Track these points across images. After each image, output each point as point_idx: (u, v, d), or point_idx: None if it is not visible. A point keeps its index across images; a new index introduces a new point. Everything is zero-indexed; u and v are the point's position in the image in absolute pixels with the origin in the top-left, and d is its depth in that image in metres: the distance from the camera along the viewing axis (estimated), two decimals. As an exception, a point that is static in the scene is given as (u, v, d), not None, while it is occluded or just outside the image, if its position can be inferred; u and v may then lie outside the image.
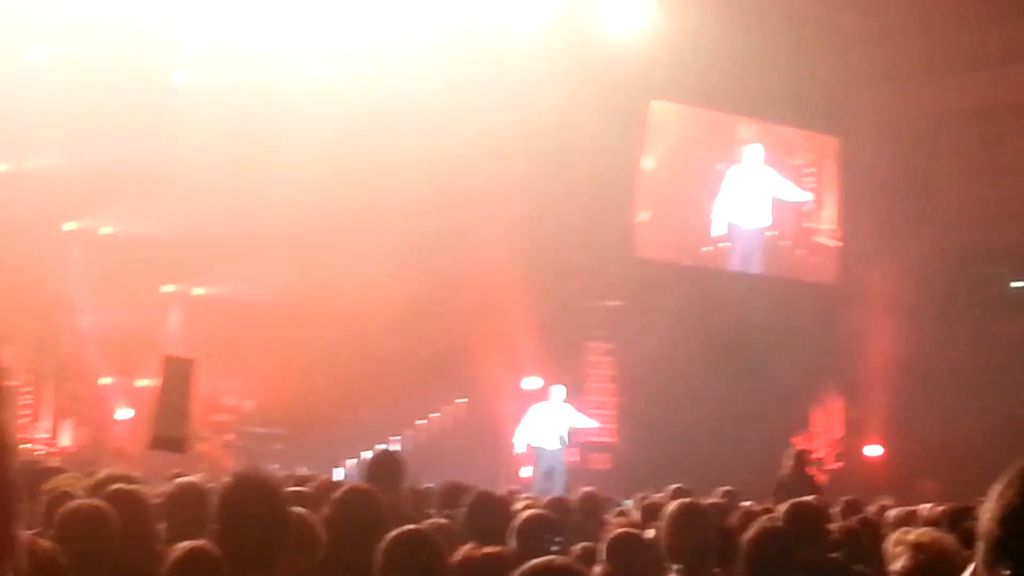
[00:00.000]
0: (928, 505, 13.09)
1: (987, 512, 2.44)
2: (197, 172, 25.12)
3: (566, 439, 25.01)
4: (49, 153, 24.62)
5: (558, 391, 25.61)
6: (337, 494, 7.79)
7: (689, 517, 7.88)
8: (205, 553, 5.78)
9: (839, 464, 28.50)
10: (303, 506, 7.41)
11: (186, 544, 5.96)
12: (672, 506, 8.04)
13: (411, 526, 6.84)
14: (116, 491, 8.07)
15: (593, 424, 26.15)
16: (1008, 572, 2.32)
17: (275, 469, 17.58)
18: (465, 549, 6.88)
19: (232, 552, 5.44)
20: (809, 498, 11.61)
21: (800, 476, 14.95)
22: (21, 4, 23.98)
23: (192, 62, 26.82)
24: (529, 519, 8.00)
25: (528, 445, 25.14)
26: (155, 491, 8.88)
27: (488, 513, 8.58)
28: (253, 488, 5.61)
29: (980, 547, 2.44)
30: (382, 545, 6.44)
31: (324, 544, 6.92)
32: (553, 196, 27.18)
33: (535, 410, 25.45)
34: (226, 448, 26.36)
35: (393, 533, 6.55)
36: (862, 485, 20.32)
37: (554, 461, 24.44)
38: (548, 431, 24.90)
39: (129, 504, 7.76)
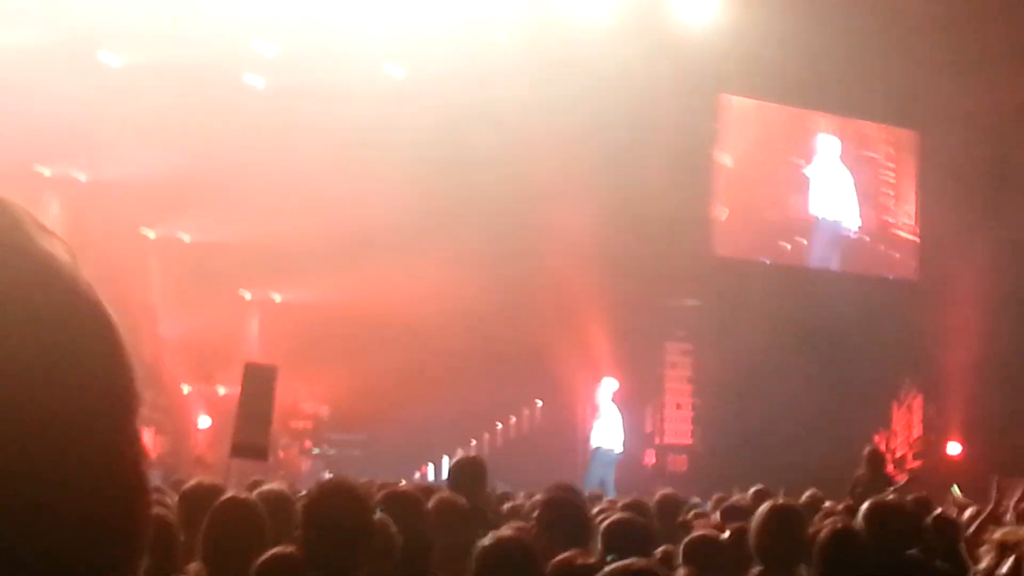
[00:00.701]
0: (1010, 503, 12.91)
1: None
2: (274, 177, 25.25)
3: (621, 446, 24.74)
4: (127, 161, 24.71)
5: (609, 384, 25.24)
6: (429, 503, 7.75)
7: (781, 520, 7.81)
8: (290, 559, 5.86)
9: (918, 463, 28.25)
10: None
11: (273, 550, 6.00)
12: (763, 508, 7.95)
13: (506, 532, 6.81)
14: (267, 492, 8.16)
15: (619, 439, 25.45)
16: None
17: (360, 478, 17.57)
18: (561, 556, 6.82)
19: (316, 559, 5.46)
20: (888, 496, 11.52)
21: (876, 475, 14.78)
22: (96, 9, 24.06)
23: (268, 66, 26.90)
24: (614, 524, 7.92)
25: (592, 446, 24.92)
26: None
27: (563, 517, 8.48)
28: (339, 496, 5.63)
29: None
30: (477, 551, 6.40)
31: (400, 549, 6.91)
32: (630, 194, 27.07)
33: (606, 408, 25.17)
34: (304, 455, 26.43)
35: (488, 540, 6.52)
36: (942, 483, 20.05)
37: (607, 467, 24.08)
38: (610, 432, 24.67)
39: (276, 504, 7.77)
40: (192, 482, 9.93)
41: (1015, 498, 13.18)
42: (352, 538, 5.49)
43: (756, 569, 7.49)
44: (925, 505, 12.18)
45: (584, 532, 8.06)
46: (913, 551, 8.16)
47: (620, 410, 25.79)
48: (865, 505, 8.97)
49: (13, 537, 1.16)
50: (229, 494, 7.82)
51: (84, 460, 1.21)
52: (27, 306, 1.19)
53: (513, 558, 6.31)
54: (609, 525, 7.91)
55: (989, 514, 11.29)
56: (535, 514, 8.66)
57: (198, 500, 8.07)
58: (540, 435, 26.55)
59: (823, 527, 7.88)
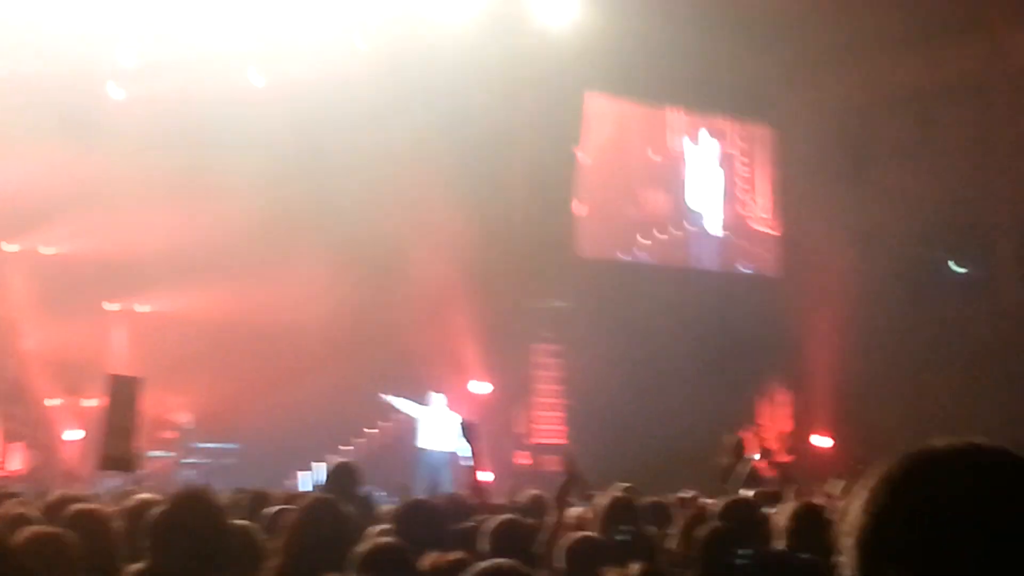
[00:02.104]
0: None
1: (857, 516, 2.37)
2: (136, 188, 24.98)
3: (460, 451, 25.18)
4: None
5: (439, 399, 25.85)
6: (303, 503, 7.70)
7: (620, 511, 8.01)
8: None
9: (789, 457, 28.54)
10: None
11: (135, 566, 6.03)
12: (605, 500, 8.18)
13: (386, 540, 6.80)
14: (78, 512, 8.05)
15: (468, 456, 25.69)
16: (890, 569, 2.27)
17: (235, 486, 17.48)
18: (432, 556, 6.80)
19: (171, 569, 5.42)
20: (747, 492, 11.69)
21: (738, 465, 14.96)
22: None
23: (128, 76, 26.61)
24: (502, 525, 7.92)
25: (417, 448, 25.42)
26: (109, 510, 8.85)
27: (420, 521, 8.47)
28: (190, 505, 5.60)
29: (851, 550, 2.36)
30: (356, 558, 6.37)
31: (271, 555, 6.90)
32: (492, 196, 27.17)
33: (427, 413, 25.71)
34: (176, 465, 26.16)
35: (366, 547, 6.50)
36: (812, 476, 20.28)
37: (440, 467, 24.42)
38: (437, 436, 25.05)
39: (90, 525, 7.71)
40: (56, 494, 9.92)
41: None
42: (205, 544, 5.43)
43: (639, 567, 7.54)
44: (775, 497, 12.36)
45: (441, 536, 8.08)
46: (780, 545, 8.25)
47: (487, 413, 25.96)
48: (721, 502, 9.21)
49: None
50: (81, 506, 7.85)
51: None
52: None
53: (388, 560, 6.29)
54: (496, 527, 7.90)
55: (848, 503, 11.45)
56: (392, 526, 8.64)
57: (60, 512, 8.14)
58: (411, 439, 26.41)
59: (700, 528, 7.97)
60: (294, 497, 10.68)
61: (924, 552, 2.22)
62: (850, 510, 2.35)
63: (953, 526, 2.22)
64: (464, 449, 24.73)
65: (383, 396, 25.65)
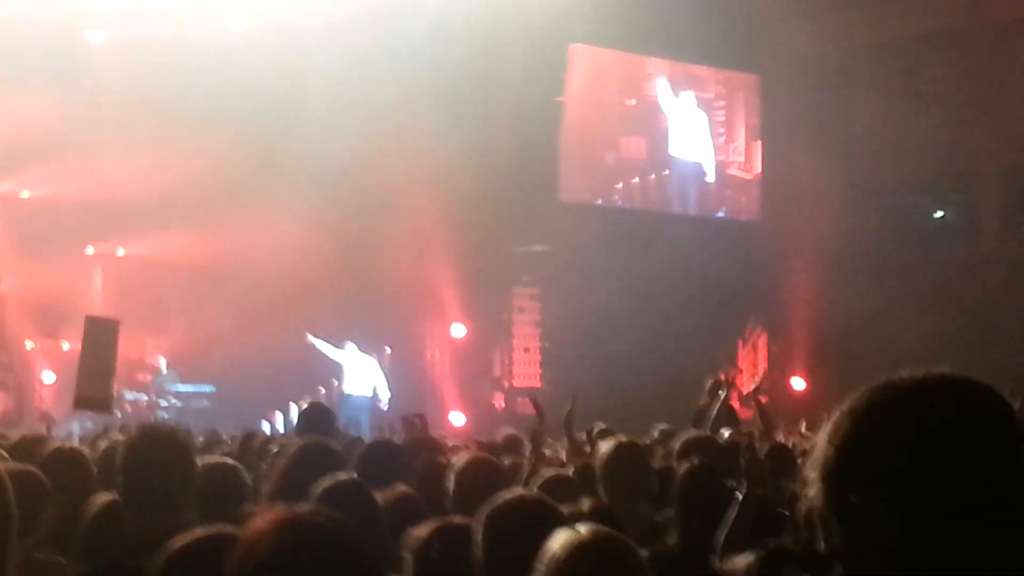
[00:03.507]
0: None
1: (822, 448, 2.36)
2: (115, 131, 24.92)
3: (380, 393, 25.48)
4: None
5: (351, 346, 26.21)
6: (286, 446, 7.69)
7: (624, 456, 7.94)
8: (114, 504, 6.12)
9: (764, 398, 28.61)
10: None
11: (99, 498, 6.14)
12: (609, 445, 8.08)
13: (341, 475, 6.81)
14: (52, 451, 8.13)
15: (385, 396, 26.42)
16: (855, 500, 2.26)
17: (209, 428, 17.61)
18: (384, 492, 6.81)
19: (136, 500, 5.45)
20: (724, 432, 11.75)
21: (717, 404, 14.98)
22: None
23: (107, 20, 26.48)
24: (469, 463, 7.89)
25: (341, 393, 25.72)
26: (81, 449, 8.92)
27: (382, 459, 8.46)
28: (155, 439, 5.64)
29: (816, 482, 2.35)
30: (316, 494, 6.38)
31: (257, 494, 6.90)
32: (476, 142, 27.12)
33: (348, 358, 26.03)
34: (152, 407, 26.22)
35: (326, 482, 6.51)
36: (787, 418, 20.36)
37: (360, 411, 24.70)
38: (358, 381, 25.54)
39: (61, 464, 7.76)
40: (17, 435, 10.01)
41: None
42: (170, 477, 5.47)
43: (591, 502, 7.55)
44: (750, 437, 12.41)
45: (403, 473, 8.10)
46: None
47: (465, 356, 26.14)
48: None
49: None
50: (56, 444, 7.95)
51: None
52: None
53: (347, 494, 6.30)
54: (462, 466, 7.85)
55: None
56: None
57: (26, 452, 8.18)
58: (388, 381, 26.47)
59: (680, 465, 7.96)
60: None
61: (888, 481, 2.22)
62: (816, 443, 2.36)
63: (917, 455, 2.22)
64: (383, 393, 25.41)
65: (309, 337, 25.73)
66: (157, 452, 5.55)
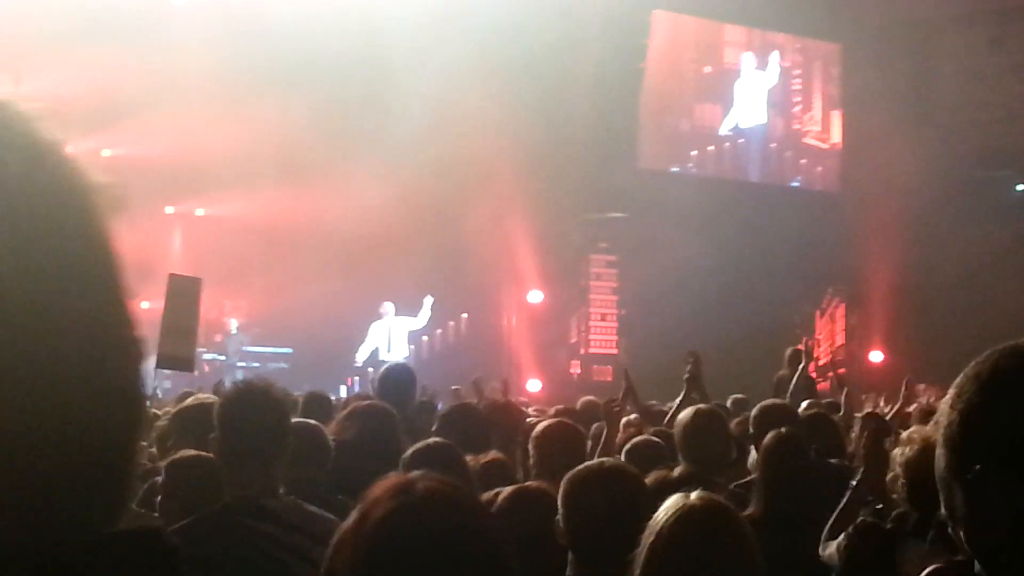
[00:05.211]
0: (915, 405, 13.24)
1: (945, 414, 2.31)
2: (197, 93, 25.05)
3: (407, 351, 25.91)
4: (47, 76, 24.40)
5: (388, 307, 26.61)
6: (361, 409, 7.75)
7: (704, 423, 7.95)
8: (201, 458, 6.27)
9: (841, 370, 28.49)
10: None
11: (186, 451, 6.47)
12: (688, 412, 8.09)
13: (433, 439, 6.86)
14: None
15: (420, 322, 26.58)
16: (980, 468, 2.22)
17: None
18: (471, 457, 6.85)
19: (231, 456, 5.51)
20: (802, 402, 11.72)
21: (797, 374, 14.93)
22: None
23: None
24: (549, 428, 7.91)
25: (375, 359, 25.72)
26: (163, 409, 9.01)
27: (464, 424, 8.49)
28: (252, 396, 5.69)
29: (943, 453, 2.31)
30: (407, 457, 6.44)
31: (334, 454, 6.96)
32: (555, 108, 27.12)
33: (375, 328, 26.38)
34: (228, 367, 26.42)
35: (417, 446, 6.56)
36: (864, 389, 20.31)
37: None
38: (393, 346, 25.75)
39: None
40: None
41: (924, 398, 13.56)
42: (266, 434, 5.53)
43: (680, 468, 7.57)
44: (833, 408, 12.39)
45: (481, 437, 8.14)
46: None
47: (542, 322, 26.20)
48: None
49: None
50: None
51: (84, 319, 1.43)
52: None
53: (439, 459, 6.35)
54: (540, 431, 7.87)
55: (895, 412, 11.55)
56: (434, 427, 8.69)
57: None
58: (465, 347, 26.61)
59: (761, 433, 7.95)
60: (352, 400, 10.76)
61: (1015, 448, 2.15)
62: (942, 412, 2.31)
63: None
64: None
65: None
66: (254, 408, 5.60)
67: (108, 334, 1.45)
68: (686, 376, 11.42)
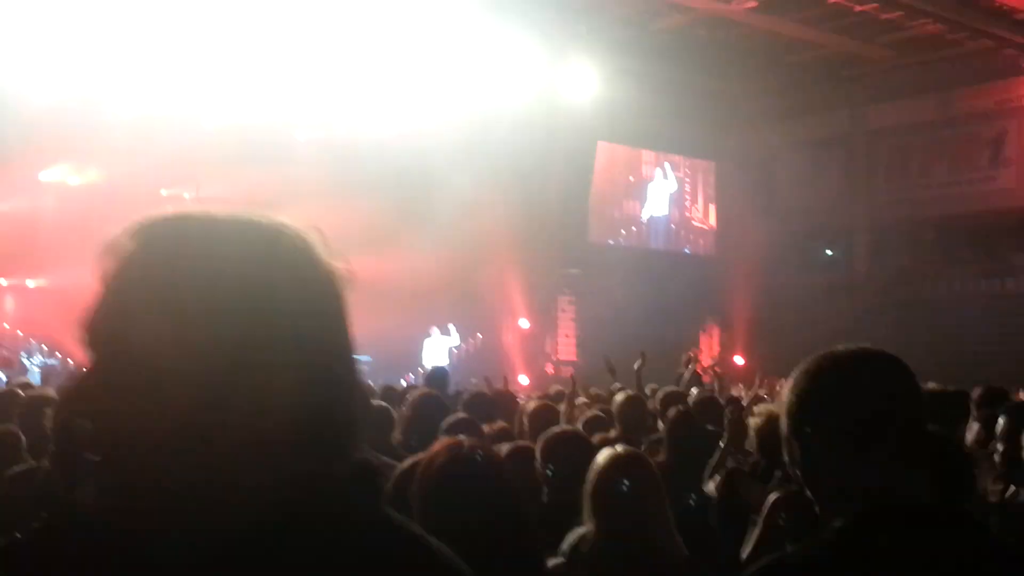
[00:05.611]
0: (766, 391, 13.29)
1: (787, 396, 2.36)
2: (310, 197, 24.50)
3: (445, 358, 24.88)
4: (214, 185, 23.14)
5: (434, 330, 25.70)
6: (415, 395, 7.61)
7: (632, 404, 7.95)
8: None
9: (717, 369, 28.42)
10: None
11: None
12: (622, 397, 8.10)
13: (460, 414, 6.83)
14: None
15: (453, 340, 25.99)
16: (809, 431, 2.28)
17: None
18: (487, 426, 6.76)
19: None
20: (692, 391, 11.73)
21: (690, 373, 14.96)
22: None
23: (308, 125, 25.68)
24: (535, 408, 7.91)
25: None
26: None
27: (480, 405, 8.42)
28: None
29: (785, 421, 2.36)
30: (445, 426, 6.38)
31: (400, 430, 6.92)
32: (536, 206, 27.32)
33: (426, 343, 25.56)
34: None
35: (450, 418, 6.54)
36: (732, 382, 20.31)
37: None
38: (436, 354, 24.90)
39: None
40: None
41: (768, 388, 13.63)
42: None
43: (615, 432, 7.55)
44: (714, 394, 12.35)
45: (493, 415, 7.98)
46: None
47: (528, 340, 26.27)
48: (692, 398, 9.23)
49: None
50: None
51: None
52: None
53: (466, 427, 6.31)
54: (532, 410, 7.85)
55: (754, 397, 11.64)
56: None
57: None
58: (479, 356, 26.51)
59: (668, 410, 7.91)
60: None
61: (830, 417, 2.21)
62: (783, 394, 2.35)
63: (848, 400, 2.22)
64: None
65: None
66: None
67: (344, 354, 1.54)
68: (636, 367, 11.62)
